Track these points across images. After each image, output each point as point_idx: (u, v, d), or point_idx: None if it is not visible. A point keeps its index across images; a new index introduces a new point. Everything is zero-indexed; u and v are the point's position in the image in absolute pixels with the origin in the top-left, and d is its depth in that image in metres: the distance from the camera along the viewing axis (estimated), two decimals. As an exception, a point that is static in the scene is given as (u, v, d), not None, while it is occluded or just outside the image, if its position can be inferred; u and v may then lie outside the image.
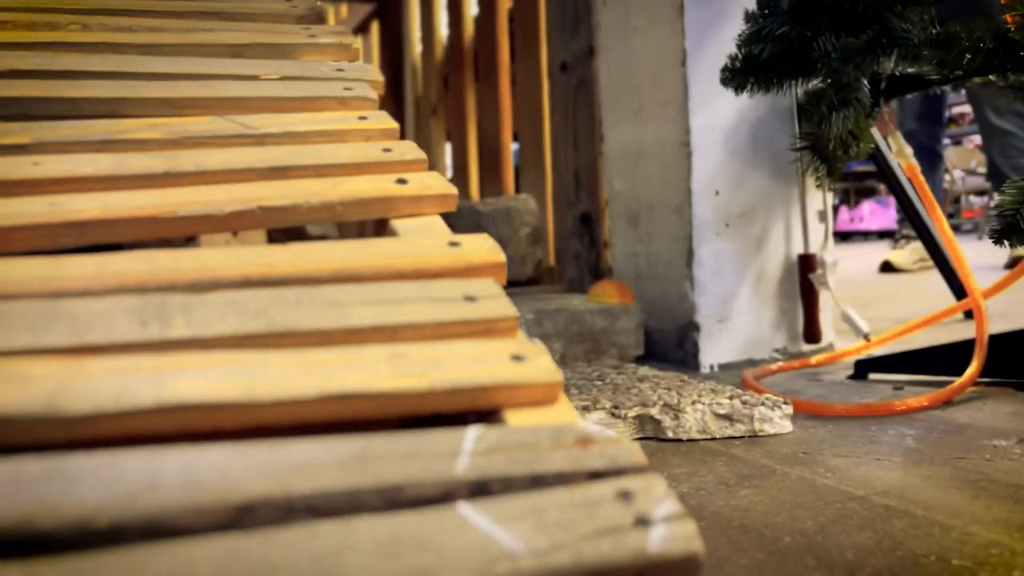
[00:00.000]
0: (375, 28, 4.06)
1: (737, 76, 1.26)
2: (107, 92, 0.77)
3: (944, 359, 1.25)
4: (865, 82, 1.16)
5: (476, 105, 3.04)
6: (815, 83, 1.25)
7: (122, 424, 0.41)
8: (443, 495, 0.39)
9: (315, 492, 0.37)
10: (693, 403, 1.02)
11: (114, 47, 0.91)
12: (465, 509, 0.37)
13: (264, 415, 0.44)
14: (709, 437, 1.01)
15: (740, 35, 1.26)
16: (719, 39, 1.49)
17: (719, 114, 1.51)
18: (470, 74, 3.07)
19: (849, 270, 3.22)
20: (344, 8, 4.46)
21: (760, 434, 1.01)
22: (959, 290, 1.79)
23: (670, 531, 0.38)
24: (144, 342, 0.46)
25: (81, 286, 0.50)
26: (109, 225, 0.58)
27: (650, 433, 1.02)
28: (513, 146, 2.85)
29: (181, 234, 0.61)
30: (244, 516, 0.36)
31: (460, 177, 3.13)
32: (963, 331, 1.48)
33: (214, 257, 0.54)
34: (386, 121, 0.81)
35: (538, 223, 2.22)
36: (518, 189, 2.71)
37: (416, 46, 3.69)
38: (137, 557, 0.32)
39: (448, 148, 3.40)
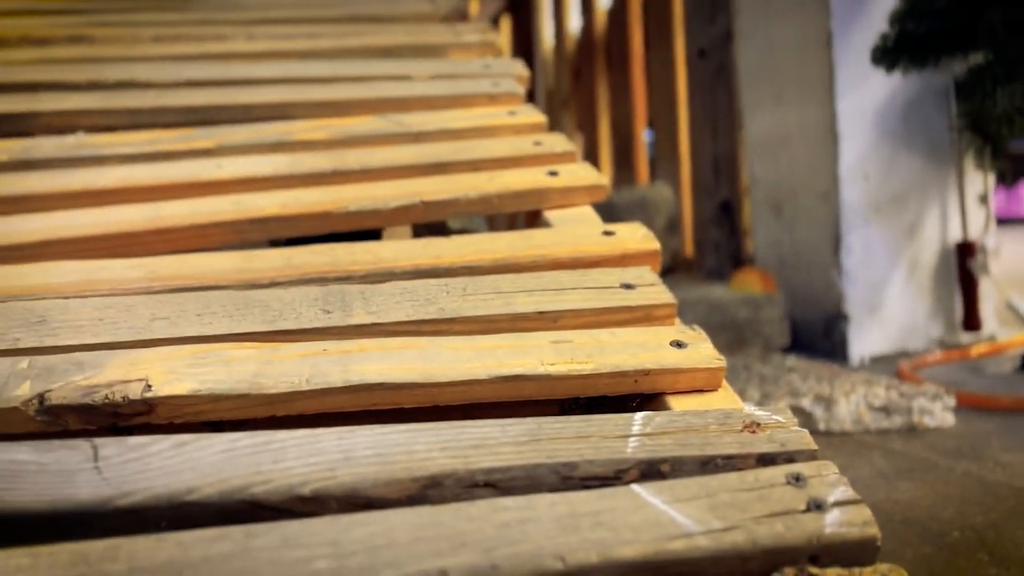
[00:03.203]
0: (506, 23, 4.11)
1: (890, 54, 1.21)
2: (276, 97, 0.82)
3: (1126, 350, 1.16)
4: (1034, 55, 1.09)
5: (608, 96, 3.03)
6: (976, 59, 1.19)
7: (314, 402, 0.45)
8: (614, 474, 0.40)
9: (494, 467, 0.39)
10: (846, 394, 0.99)
11: (278, 54, 0.97)
12: (638, 489, 0.38)
13: (440, 395, 0.46)
14: (863, 430, 0.98)
15: (893, 12, 1.21)
16: (866, 18, 1.43)
17: (868, 95, 1.45)
18: (602, 65, 3.06)
19: (1012, 257, 3.01)
20: (475, 4, 4.54)
21: (919, 427, 0.97)
22: None
23: (845, 515, 0.38)
24: (328, 327, 0.50)
25: (269, 277, 0.55)
26: (288, 221, 0.63)
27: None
28: (645, 135, 2.83)
29: (351, 228, 0.65)
30: (431, 489, 0.39)
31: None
32: None
33: (386, 250, 0.57)
34: (534, 115, 0.83)
35: (673, 212, 2.20)
36: (651, 178, 2.69)
37: (547, 39, 3.72)
38: (341, 524, 0.35)
39: (580, 139, 3.41)
